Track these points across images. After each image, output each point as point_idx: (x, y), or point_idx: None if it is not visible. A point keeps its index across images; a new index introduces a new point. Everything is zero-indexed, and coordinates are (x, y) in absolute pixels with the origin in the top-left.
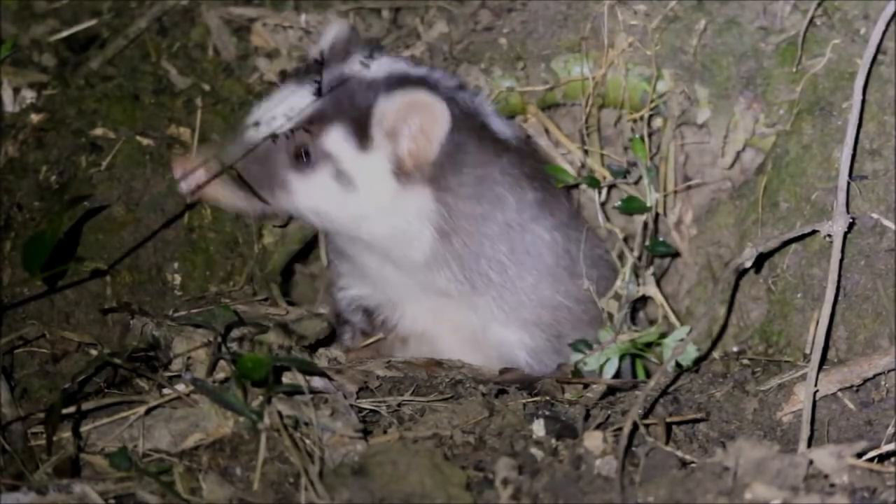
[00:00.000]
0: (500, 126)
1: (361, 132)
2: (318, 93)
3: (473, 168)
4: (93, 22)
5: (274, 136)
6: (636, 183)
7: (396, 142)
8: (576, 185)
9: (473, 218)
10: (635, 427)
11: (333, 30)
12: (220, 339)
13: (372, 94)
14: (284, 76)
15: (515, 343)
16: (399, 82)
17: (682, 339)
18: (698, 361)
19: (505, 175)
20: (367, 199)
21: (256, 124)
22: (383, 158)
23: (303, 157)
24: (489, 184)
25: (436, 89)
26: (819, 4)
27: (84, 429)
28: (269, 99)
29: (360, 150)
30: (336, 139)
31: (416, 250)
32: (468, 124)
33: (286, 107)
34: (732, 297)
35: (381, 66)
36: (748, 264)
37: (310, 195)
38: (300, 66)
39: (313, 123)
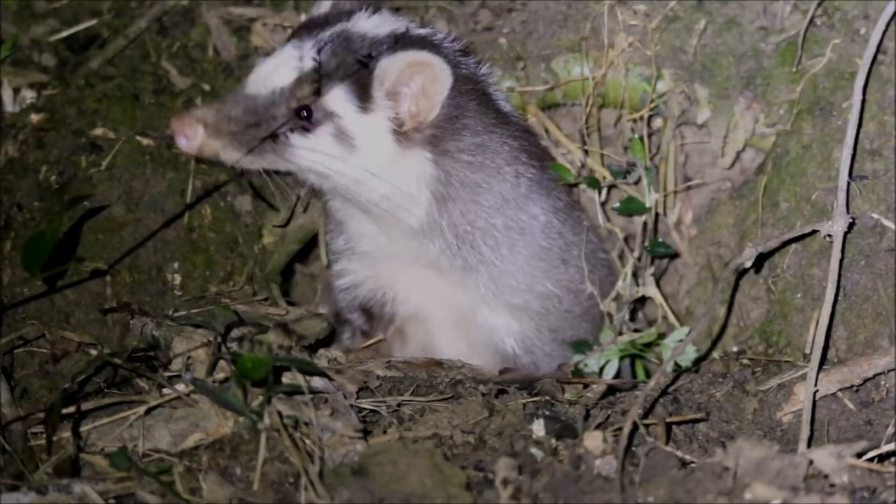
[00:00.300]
0: (501, 98)
1: (363, 91)
2: (320, 50)
3: (473, 135)
4: (93, 22)
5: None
6: (636, 183)
7: (398, 102)
8: (575, 185)
9: (470, 186)
10: (635, 427)
11: None
12: (220, 339)
13: (374, 53)
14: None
15: (502, 328)
16: (401, 41)
17: (681, 340)
18: (698, 361)
19: (504, 146)
20: (366, 160)
21: (258, 79)
22: (384, 118)
23: (304, 115)
24: (488, 153)
25: (438, 50)
26: (819, 4)
27: (84, 429)
28: (272, 55)
29: (361, 109)
30: (338, 98)
31: (412, 216)
32: (470, 89)
33: (289, 63)
34: (732, 297)
35: (384, 24)
36: (748, 264)
37: (310, 154)
38: (304, 22)
39: (315, 81)
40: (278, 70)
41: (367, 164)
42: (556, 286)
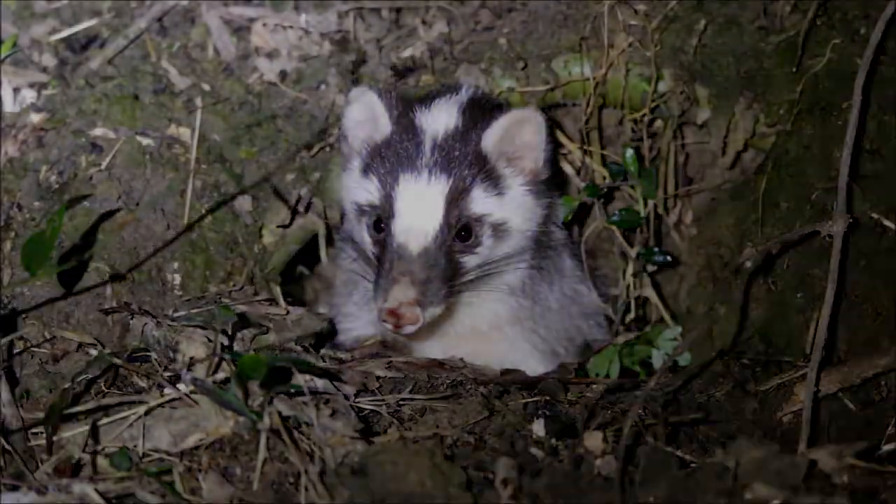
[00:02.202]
0: None
1: (489, 176)
2: (442, 169)
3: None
4: (93, 22)
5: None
6: (633, 187)
7: (516, 162)
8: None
9: (554, 239)
10: (635, 427)
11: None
12: (220, 340)
13: (474, 136)
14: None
15: (529, 369)
16: (479, 110)
17: (673, 339)
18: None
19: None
20: (521, 236)
21: (409, 231)
22: (518, 186)
23: (464, 235)
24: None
25: (499, 104)
26: (820, 5)
27: (84, 428)
28: (398, 198)
29: (499, 193)
30: (479, 201)
31: (517, 270)
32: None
33: (428, 198)
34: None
35: (445, 105)
36: (748, 264)
37: (480, 266)
38: (374, 148)
39: (457, 198)
40: (424, 212)
41: (522, 239)
42: (577, 333)
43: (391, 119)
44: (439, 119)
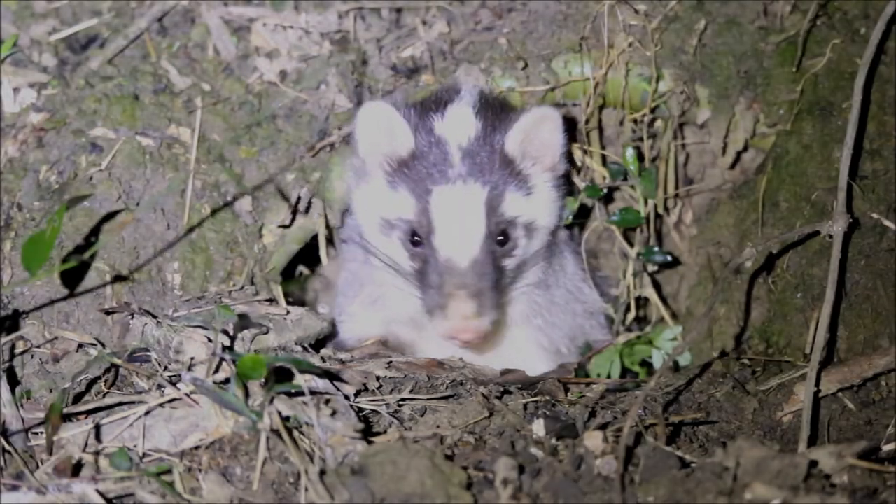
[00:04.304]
0: None
1: (517, 177)
2: (475, 177)
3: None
4: (93, 22)
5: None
6: (633, 187)
7: (539, 160)
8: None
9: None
10: (635, 427)
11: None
12: (220, 340)
13: (497, 139)
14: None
15: (531, 369)
16: (495, 111)
17: (674, 339)
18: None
19: None
20: (546, 231)
21: (455, 242)
22: (544, 182)
23: (502, 240)
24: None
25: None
26: (820, 6)
27: (84, 428)
28: (436, 210)
29: (528, 194)
30: (512, 203)
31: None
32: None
33: (468, 208)
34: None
35: (463, 111)
36: (748, 264)
37: (520, 267)
38: (401, 159)
39: (494, 203)
40: (466, 223)
41: (546, 235)
42: (580, 333)
43: (412, 131)
44: (459, 126)
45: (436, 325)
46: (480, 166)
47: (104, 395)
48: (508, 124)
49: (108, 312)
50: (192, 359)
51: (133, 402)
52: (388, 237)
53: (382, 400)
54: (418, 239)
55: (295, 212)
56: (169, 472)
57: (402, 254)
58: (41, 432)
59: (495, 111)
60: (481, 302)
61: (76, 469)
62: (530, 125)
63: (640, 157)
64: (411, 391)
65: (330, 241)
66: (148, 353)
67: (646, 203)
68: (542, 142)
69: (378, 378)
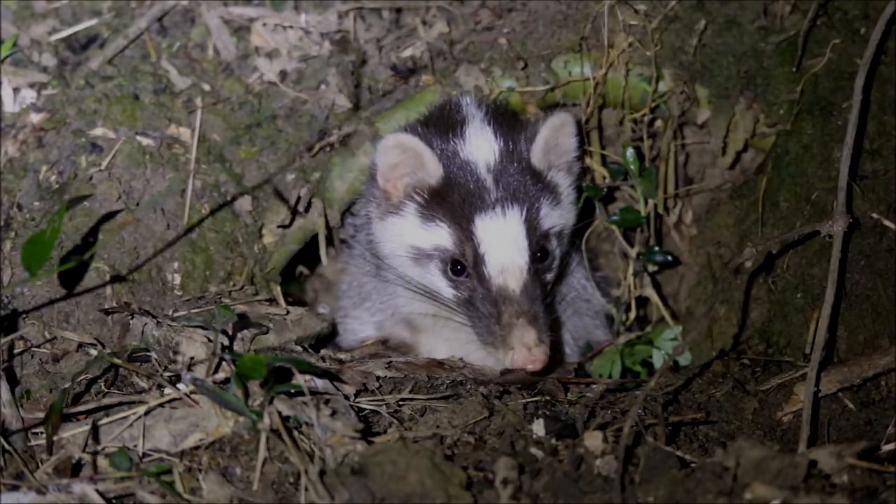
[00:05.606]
0: None
1: (548, 190)
2: (514, 202)
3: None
4: (93, 22)
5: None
6: (633, 187)
7: (561, 168)
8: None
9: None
10: (635, 427)
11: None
12: (220, 340)
13: (523, 154)
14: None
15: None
16: (508, 121)
17: (674, 339)
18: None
19: None
20: (571, 225)
21: (504, 268)
22: (565, 188)
23: (540, 256)
24: None
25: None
26: (820, 6)
27: (84, 428)
28: (480, 255)
29: (557, 203)
30: (546, 217)
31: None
32: None
33: (511, 236)
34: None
35: (475, 128)
36: (748, 264)
37: (555, 274)
38: (433, 189)
39: (531, 228)
40: (511, 248)
41: (570, 236)
42: (584, 332)
43: (440, 159)
44: (482, 146)
45: (499, 357)
46: (514, 186)
47: (104, 395)
48: (527, 135)
49: (107, 312)
50: (191, 359)
51: (133, 402)
52: (422, 267)
53: (382, 400)
54: (460, 268)
55: (295, 212)
56: (169, 472)
57: (441, 283)
58: (41, 432)
59: (507, 121)
60: (539, 327)
61: (76, 469)
62: (550, 134)
63: (640, 157)
64: (411, 391)
65: (330, 241)
66: (148, 353)
67: (646, 203)
68: (562, 148)
69: (378, 378)
